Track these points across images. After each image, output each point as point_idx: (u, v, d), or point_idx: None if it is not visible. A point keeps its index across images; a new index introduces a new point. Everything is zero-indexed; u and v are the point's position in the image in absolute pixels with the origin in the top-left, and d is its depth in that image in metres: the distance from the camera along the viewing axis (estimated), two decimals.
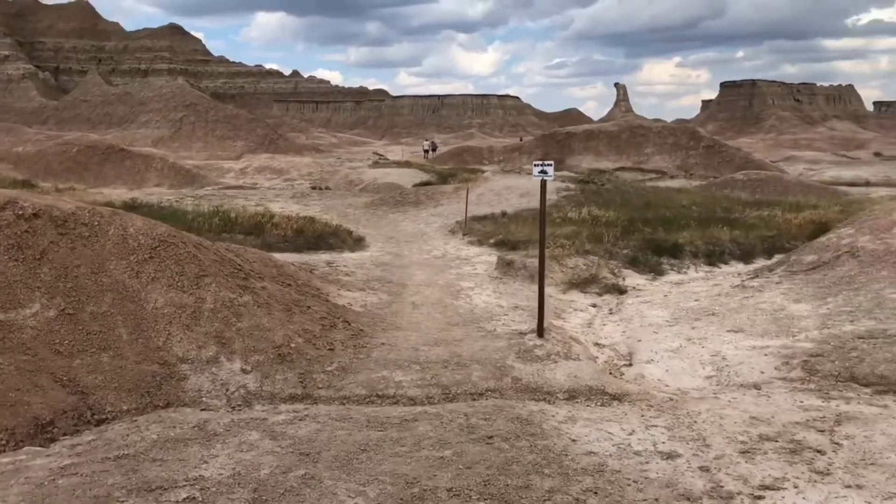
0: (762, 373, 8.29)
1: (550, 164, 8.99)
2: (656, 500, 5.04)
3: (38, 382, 6.62)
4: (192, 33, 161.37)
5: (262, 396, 7.32)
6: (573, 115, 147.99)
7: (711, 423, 6.51)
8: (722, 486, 5.23)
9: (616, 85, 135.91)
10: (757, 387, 7.88)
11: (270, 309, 8.67)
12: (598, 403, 7.28)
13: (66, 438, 6.15)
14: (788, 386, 7.84)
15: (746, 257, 15.90)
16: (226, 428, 6.22)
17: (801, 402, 7.25)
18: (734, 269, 14.98)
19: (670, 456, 5.77)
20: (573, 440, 6.06)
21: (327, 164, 52.43)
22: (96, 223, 8.54)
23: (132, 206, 19.68)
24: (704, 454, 5.80)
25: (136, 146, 51.02)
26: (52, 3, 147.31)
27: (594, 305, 12.38)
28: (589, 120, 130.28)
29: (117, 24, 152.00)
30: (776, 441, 6.06)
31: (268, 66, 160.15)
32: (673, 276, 14.57)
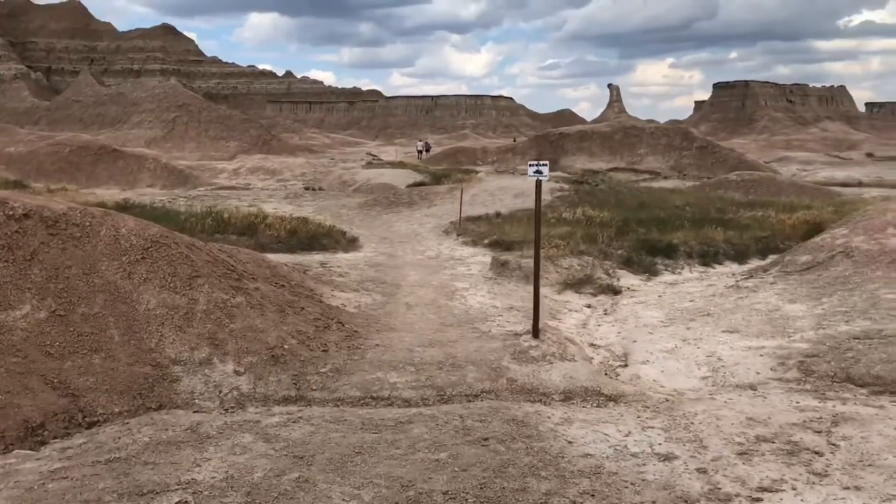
0: (758, 373, 8.26)
1: (545, 164, 8.96)
2: (654, 502, 5.00)
3: (29, 385, 6.54)
4: (185, 34, 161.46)
5: (256, 398, 7.25)
6: (566, 116, 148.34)
7: (708, 424, 6.48)
8: (720, 488, 5.19)
9: (609, 86, 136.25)
10: (753, 387, 7.85)
11: (264, 310, 8.60)
12: (594, 405, 7.23)
13: (57, 441, 6.07)
14: (784, 386, 7.81)
15: (740, 258, 15.90)
16: (219, 430, 6.16)
17: (798, 402, 7.22)
18: (728, 270, 14.97)
19: (667, 457, 5.73)
20: (569, 442, 6.02)
21: (321, 164, 52.30)
22: (88, 223, 8.45)
23: (124, 207, 19.57)
24: (701, 456, 5.77)
25: (128, 147, 50.83)
26: (44, 3, 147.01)
27: (589, 306, 12.35)
28: (582, 121, 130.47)
29: (109, 24, 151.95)
30: (773, 442, 6.03)
31: (261, 66, 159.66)
32: (667, 277, 14.55)
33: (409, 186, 31.81)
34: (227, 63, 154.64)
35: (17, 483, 5.11)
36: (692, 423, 6.49)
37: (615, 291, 13.19)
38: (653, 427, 6.43)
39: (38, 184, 33.26)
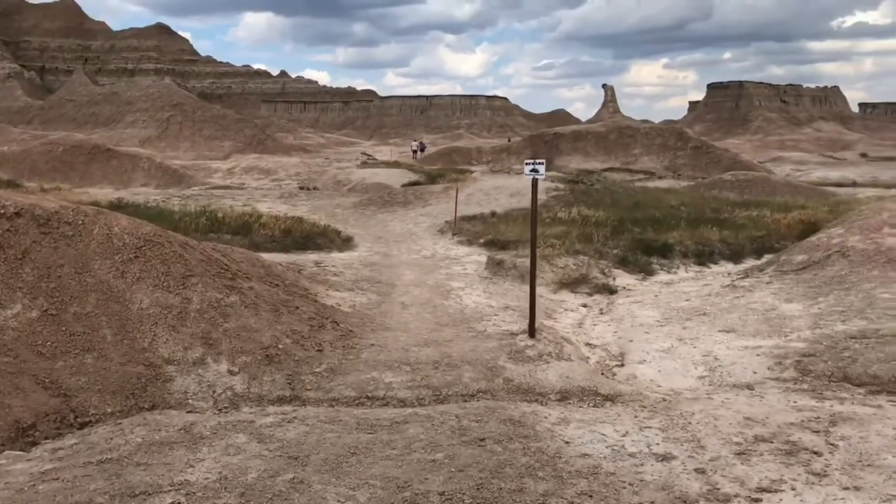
0: (755, 373, 8.23)
1: (542, 163, 8.90)
2: (652, 502, 4.95)
3: (20, 384, 6.47)
4: (180, 33, 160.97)
5: (250, 398, 7.19)
6: (561, 116, 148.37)
7: (706, 424, 6.44)
8: (718, 489, 5.14)
9: (604, 86, 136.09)
10: (750, 387, 7.82)
11: (258, 309, 8.54)
12: (591, 404, 7.19)
13: (48, 442, 6.00)
14: (781, 386, 7.78)
15: (736, 257, 15.89)
16: (212, 431, 6.09)
17: (795, 402, 7.19)
18: (724, 269, 14.95)
19: (665, 458, 5.68)
20: (567, 442, 5.97)
21: (315, 164, 52.20)
22: (80, 222, 8.38)
23: (118, 206, 19.46)
24: (700, 456, 5.72)
25: (122, 146, 50.62)
26: (38, 3, 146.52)
27: (585, 305, 12.31)
28: (577, 121, 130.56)
29: (104, 23, 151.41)
30: (771, 442, 5.99)
31: (255, 66, 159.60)
32: (663, 276, 14.53)
33: (403, 186, 31.75)
34: (221, 63, 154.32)
35: (7, 484, 5.03)
36: (690, 423, 6.45)
37: (611, 291, 13.16)
38: (650, 427, 6.38)
39: (32, 183, 33.07)
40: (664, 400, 7.29)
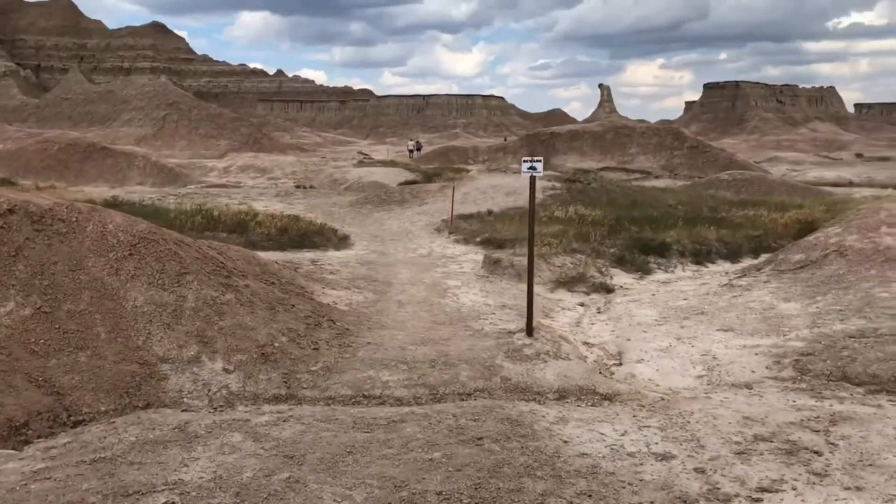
0: (753, 372, 8.19)
1: (539, 161, 8.86)
2: (652, 502, 4.90)
3: (12, 383, 6.40)
4: (176, 32, 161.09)
5: (245, 397, 7.13)
6: (557, 116, 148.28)
7: (705, 423, 6.39)
8: (719, 489, 5.09)
9: (600, 86, 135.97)
10: (749, 386, 7.77)
11: (253, 307, 8.47)
12: (589, 403, 7.14)
13: (41, 441, 5.93)
14: (780, 385, 7.74)
15: (733, 256, 15.85)
16: (207, 429, 6.03)
17: (794, 401, 7.15)
18: (721, 269, 14.92)
19: (664, 457, 5.63)
20: (565, 441, 5.91)
21: (312, 163, 52.09)
22: (74, 219, 8.30)
23: (113, 204, 19.35)
24: (699, 455, 5.67)
25: (118, 144, 50.46)
26: (34, 1, 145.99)
27: (582, 304, 12.26)
28: (573, 120, 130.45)
29: (100, 21, 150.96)
30: (771, 441, 5.94)
31: (252, 65, 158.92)
32: (660, 275, 14.48)
33: (400, 185, 31.68)
34: (217, 61, 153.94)
35: None
36: (689, 423, 6.40)
37: (608, 290, 13.11)
38: (649, 426, 6.33)
39: (27, 181, 32.92)
40: (663, 399, 7.24)
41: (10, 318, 7.12)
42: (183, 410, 6.73)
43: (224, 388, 7.19)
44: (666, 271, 14.77)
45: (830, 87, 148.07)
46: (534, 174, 8.79)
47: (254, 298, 8.67)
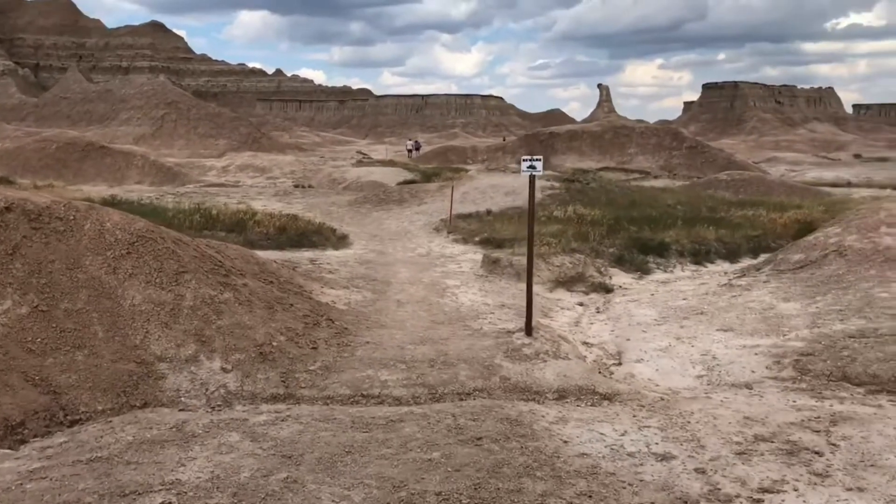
0: (753, 372, 8.16)
1: (539, 160, 8.82)
2: (653, 503, 4.87)
3: (9, 382, 6.36)
4: (175, 31, 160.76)
5: (243, 396, 7.09)
6: (556, 116, 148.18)
7: (705, 423, 6.36)
8: (720, 489, 5.06)
9: (599, 86, 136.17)
10: (749, 386, 7.74)
11: (252, 306, 8.43)
12: (589, 403, 7.11)
13: (37, 440, 5.89)
14: (780, 385, 7.71)
15: (732, 256, 15.83)
16: (205, 429, 5.99)
17: (795, 401, 7.12)
18: (720, 268, 14.89)
19: (665, 457, 5.60)
20: (565, 441, 5.88)
21: (310, 162, 51.99)
22: (72, 217, 8.26)
23: (111, 203, 19.29)
24: (700, 456, 5.64)
25: (116, 144, 50.36)
26: (33, 0, 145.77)
27: (581, 304, 12.23)
28: (572, 121, 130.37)
29: (98, 21, 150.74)
30: (772, 442, 5.91)
31: (251, 64, 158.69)
32: (659, 275, 14.46)
33: (399, 184, 31.63)
34: (216, 61, 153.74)
35: None
36: (689, 423, 6.37)
37: (607, 289, 13.08)
38: (649, 426, 6.30)
39: (25, 180, 32.85)
40: (662, 399, 7.21)
41: (6, 316, 7.07)
42: (180, 410, 6.69)
43: (222, 388, 7.15)
44: (665, 271, 14.74)
45: (829, 87, 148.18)
46: (533, 173, 8.76)
47: (252, 297, 8.63)
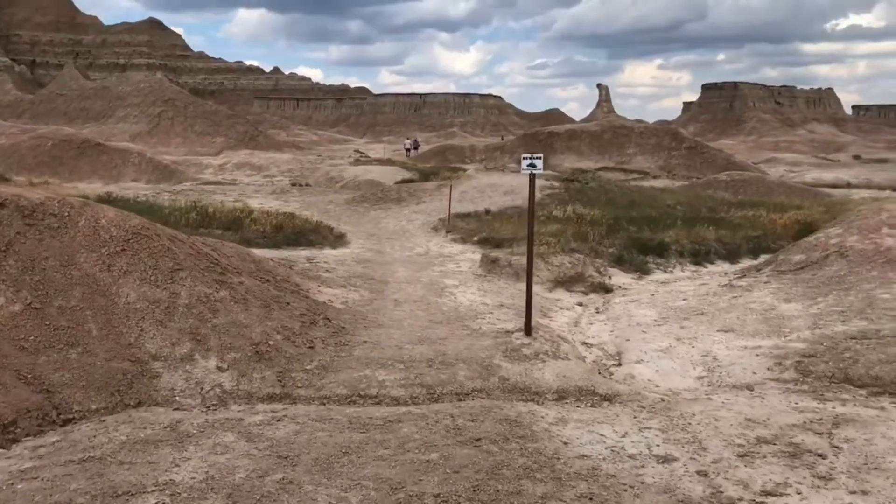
0: (754, 373, 8.09)
1: (539, 158, 8.73)
2: None
3: (1, 380, 6.26)
4: (172, 28, 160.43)
5: (239, 396, 7.00)
6: (555, 116, 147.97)
7: (706, 425, 6.28)
8: (722, 492, 4.98)
9: (598, 86, 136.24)
10: (750, 388, 7.67)
11: (248, 305, 8.34)
12: (589, 404, 7.03)
13: (29, 439, 5.80)
14: (782, 387, 7.64)
15: (732, 257, 15.78)
16: (199, 429, 5.91)
17: (796, 403, 7.04)
18: (720, 269, 14.83)
19: (666, 459, 5.53)
20: (565, 442, 5.80)
21: (308, 161, 51.85)
22: (66, 214, 8.17)
23: (107, 201, 19.20)
24: (701, 458, 5.56)
25: (113, 141, 50.20)
26: None
27: (580, 304, 12.15)
28: (571, 120, 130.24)
29: (95, 17, 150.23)
30: (774, 444, 5.84)
31: (248, 62, 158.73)
32: (659, 275, 14.39)
33: (397, 183, 31.52)
34: (214, 58, 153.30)
35: None
36: (690, 424, 6.30)
37: (607, 290, 13.00)
38: (650, 428, 6.23)
39: (20, 177, 32.69)
40: (663, 400, 7.13)
41: None
42: (175, 409, 6.61)
43: (217, 387, 7.07)
44: (665, 271, 14.68)
45: (828, 88, 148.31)
46: (533, 171, 8.68)
47: (248, 296, 8.55)
